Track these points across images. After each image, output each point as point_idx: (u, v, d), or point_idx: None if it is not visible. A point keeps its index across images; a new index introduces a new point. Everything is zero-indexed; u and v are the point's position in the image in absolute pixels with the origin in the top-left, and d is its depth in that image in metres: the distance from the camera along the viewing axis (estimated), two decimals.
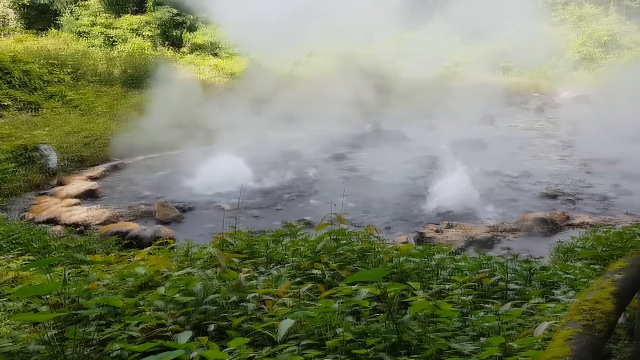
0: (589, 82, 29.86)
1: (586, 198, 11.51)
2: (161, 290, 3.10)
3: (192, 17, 28.93)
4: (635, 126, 18.41)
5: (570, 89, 29.40)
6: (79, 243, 6.66)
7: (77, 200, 10.39)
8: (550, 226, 9.18)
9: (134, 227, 8.63)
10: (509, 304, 3.17)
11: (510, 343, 2.51)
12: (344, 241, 4.44)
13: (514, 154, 16.12)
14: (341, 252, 4.23)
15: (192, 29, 29.42)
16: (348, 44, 30.14)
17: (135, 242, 7.68)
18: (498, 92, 24.65)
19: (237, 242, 4.35)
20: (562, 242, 6.29)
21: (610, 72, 30.34)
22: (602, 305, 1.90)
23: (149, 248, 4.99)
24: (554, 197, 11.45)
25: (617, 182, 12.56)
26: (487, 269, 4.23)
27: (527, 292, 3.73)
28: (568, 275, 4.09)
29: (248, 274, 3.62)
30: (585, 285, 3.73)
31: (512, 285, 3.86)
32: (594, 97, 26.92)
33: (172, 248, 5.23)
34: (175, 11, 28.18)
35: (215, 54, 28.16)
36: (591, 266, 4.53)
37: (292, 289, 3.38)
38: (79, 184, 11.36)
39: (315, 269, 3.83)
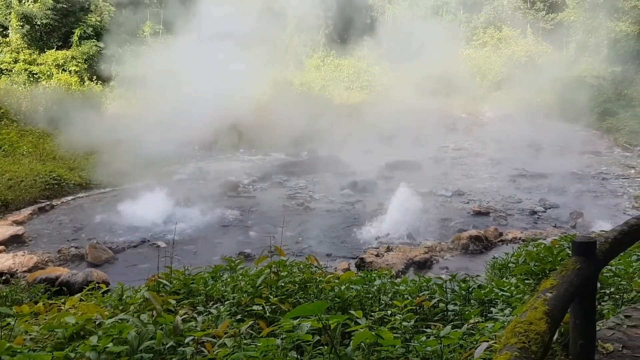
0: (512, 101, 31.31)
1: (516, 213, 11.97)
2: (93, 340, 2.93)
3: (120, 50, 28.39)
4: (555, 141, 19.46)
5: (495, 108, 30.73)
6: (4, 293, 6.26)
7: (2, 247, 9.81)
8: (485, 243, 9.46)
9: (63, 272, 8.20)
10: (449, 326, 3.21)
11: None
12: (285, 273, 4.38)
13: (446, 173, 16.61)
14: (282, 284, 4.17)
15: (120, 62, 28.85)
16: (281, 72, 30.45)
17: (66, 289, 7.29)
18: (428, 114, 25.43)
19: (174, 282, 4.21)
20: (496, 258, 6.47)
21: (530, 91, 32.00)
22: (536, 325, 1.94)
23: (80, 294, 4.74)
24: (486, 214, 11.84)
25: (544, 196, 13.15)
26: (427, 292, 4.29)
27: (466, 312, 3.80)
28: (504, 292, 4.20)
29: (185, 316, 3.50)
30: (521, 301, 3.84)
31: (451, 307, 3.92)
32: (517, 115, 28.25)
33: (105, 292, 4.99)
34: (102, 45, 27.57)
35: (146, 87, 27.64)
36: (525, 281, 4.68)
37: (232, 327, 3.28)
38: (3, 229, 10.74)
39: (256, 304, 3.75)
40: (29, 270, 8.61)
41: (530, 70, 34.27)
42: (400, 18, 36.74)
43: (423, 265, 8.55)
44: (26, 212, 12.18)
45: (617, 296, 4.17)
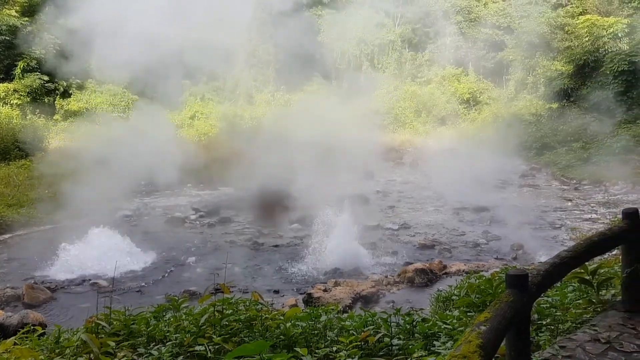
0: (456, 136, 32.32)
1: (460, 246, 12.25)
2: None
3: (64, 84, 27.79)
4: (497, 175, 20.15)
5: (440, 143, 31.61)
6: None
7: None
8: (430, 276, 9.62)
9: None
10: None
11: None
12: (230, 311, 4.32)
13: (393, 207, 16.88)
14: (226, 323, 4.11)
15: (65, 95, 28.22)
16: (230, 107, 30.51)
17: (0, 332, 6.93)
18: (376, 148, 25.87)
19: (114, 323, 4.09)
20: (440, 291, 6.59)
21: (472, 126, 33.19)
22: (469, 359, 2.00)
23: (14, 337, 4.52)
24: (431, 247, 12.07)
25: (486, 228, 13.54)
26: (372, 326, 4.31)
27: (409, 346, 3.84)
28: (447, 325, 4.27)
29: (125, 358, 3.40)
30: (462, 333, 3.92)
31: (395, 341, 3.95)
32: (461, 150, 29.12)
33: (42, 335, 4.79)
34: (46, 78, 26.92)
35: (92, 121, 27.05)
36: (467, 314, 4.78)
37: None
38: None
39: (199, 344, 3.69)
40: None
41: (472, 106, 35.64)
42: (349, 55, 37.67)
43: (370, 299, 8.58)
44: None
45: (552, 327, 4.31)
